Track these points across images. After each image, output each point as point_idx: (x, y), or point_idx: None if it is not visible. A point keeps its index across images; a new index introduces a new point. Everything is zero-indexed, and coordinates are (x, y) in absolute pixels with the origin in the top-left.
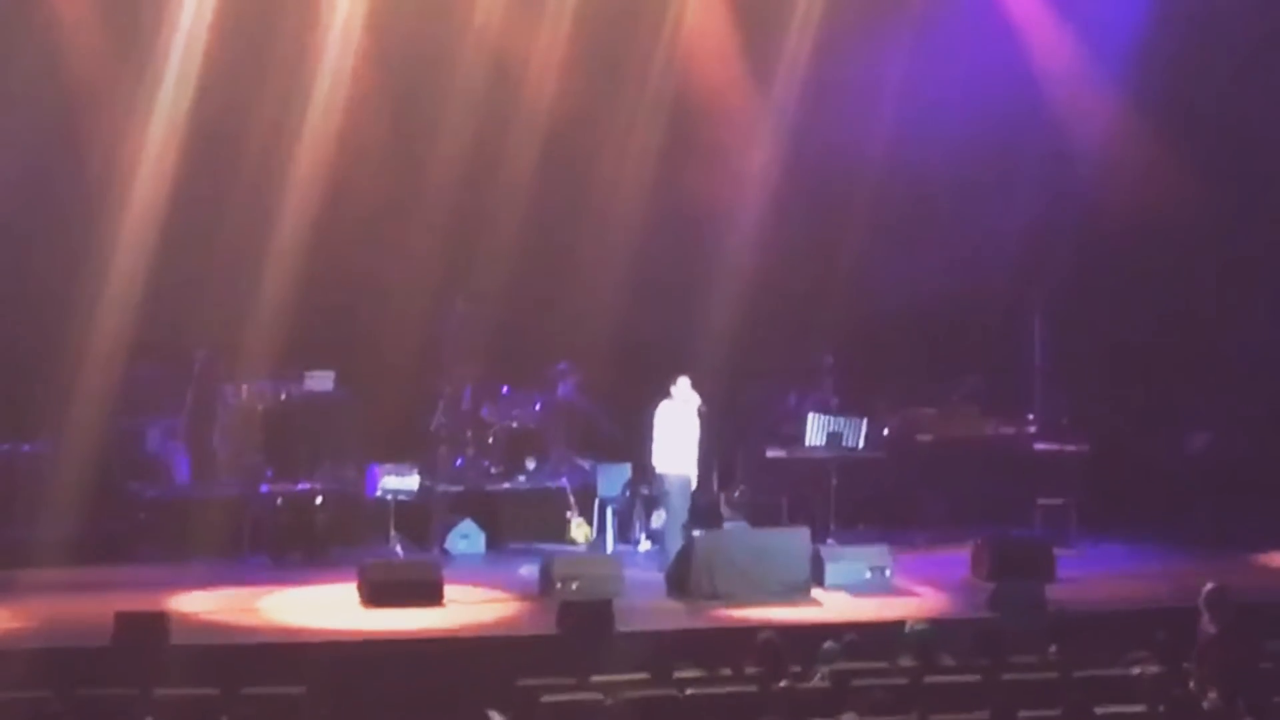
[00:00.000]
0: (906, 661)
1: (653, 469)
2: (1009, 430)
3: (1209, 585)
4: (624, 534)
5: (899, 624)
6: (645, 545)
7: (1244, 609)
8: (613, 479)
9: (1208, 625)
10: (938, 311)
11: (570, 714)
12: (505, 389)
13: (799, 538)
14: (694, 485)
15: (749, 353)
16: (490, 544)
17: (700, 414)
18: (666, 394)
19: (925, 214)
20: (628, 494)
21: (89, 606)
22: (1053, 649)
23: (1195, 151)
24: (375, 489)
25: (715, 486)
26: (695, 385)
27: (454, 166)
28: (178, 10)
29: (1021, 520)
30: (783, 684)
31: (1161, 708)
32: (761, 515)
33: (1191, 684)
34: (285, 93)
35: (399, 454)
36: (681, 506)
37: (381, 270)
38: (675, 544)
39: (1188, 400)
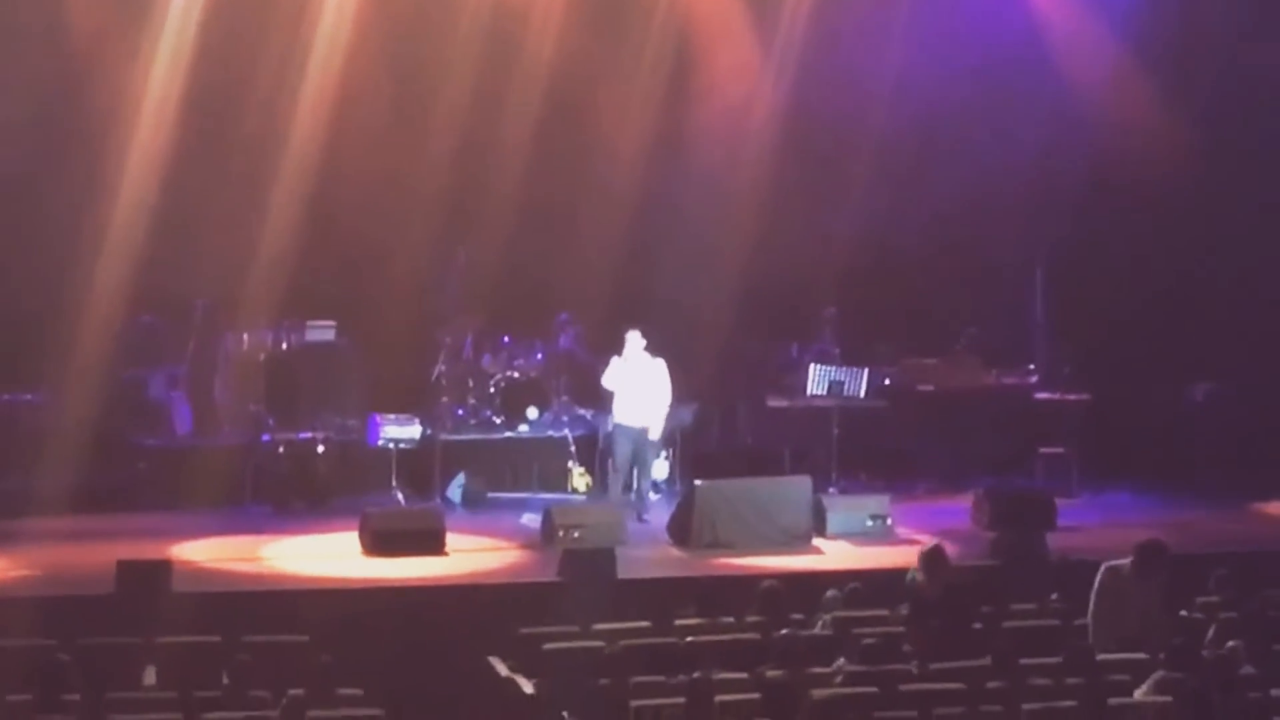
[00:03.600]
0: (908, 609)
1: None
2: (1010, 380)
3: (927, 544)
4: (625, 483)
5: (901, 572)
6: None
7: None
8: None
9: (925, 587)
10: (939, 261)
11: (572, 661)
12: (506, 339)
13: (801, 487)
14: (650, 436)
15: (751, 303)
16: (491, 493)
17: (657, 366)
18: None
19: (927, 164)
20: None
21: (91, 555)
22: (1054, 597)
23: (1198, 102)
24: (377, 438)
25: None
26: (697, 337)
27: (456, 115)
28: None
29: (1022, 469)
30: (784, 632)
31: (1162, 655)
32: (764, 464)
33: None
34: (287, 42)
35: (400, 403)
36: (626, 457)
37: (383, 220)
38: (616, 491)
39: (1190, 350)
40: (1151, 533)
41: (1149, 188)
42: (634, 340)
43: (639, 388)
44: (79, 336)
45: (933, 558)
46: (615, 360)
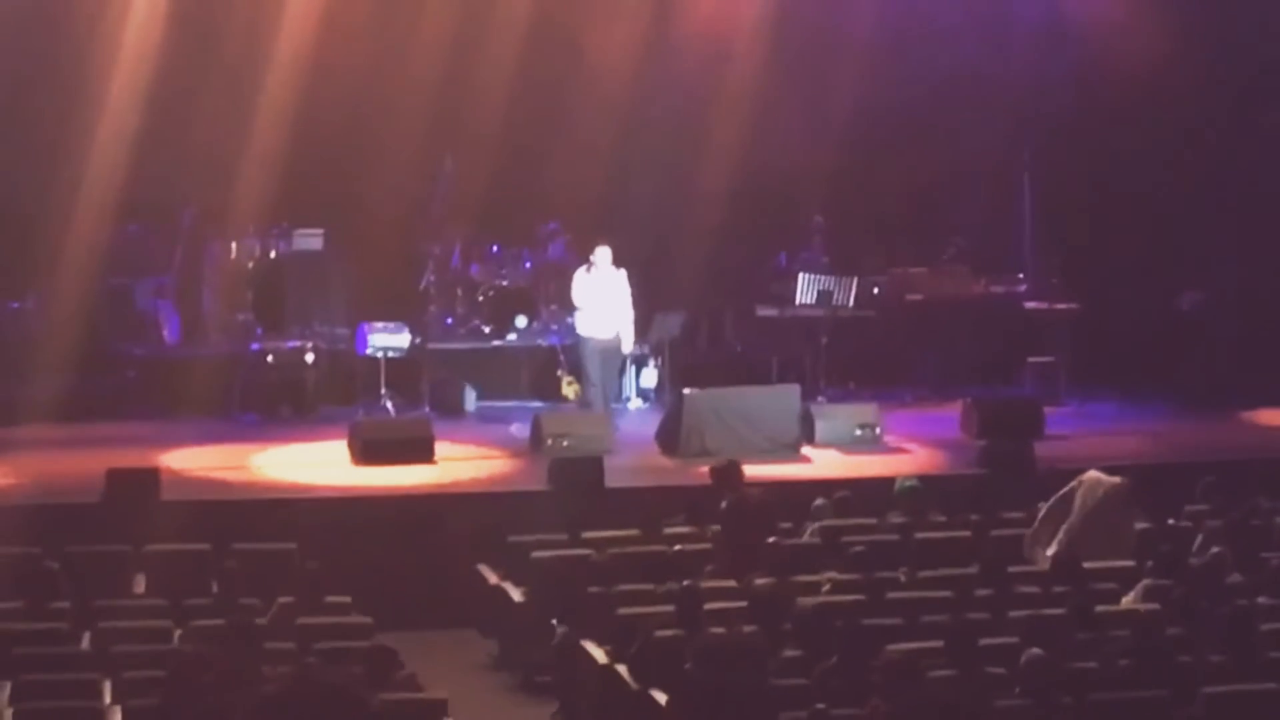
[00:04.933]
0: (896, 518)
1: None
2: (999, 289)
3: (720, 461)
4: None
5: (889, 481)
6: (636, 403)
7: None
8: None
9: (710, 501)
10: (927, 170)
11: (561, 569)
12: (495, 248)
13: (789, 395)
14: (620, 349)
15: (740, 212)
16: (481, 401)
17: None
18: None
19: (913, 71)
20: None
21: (80, 463)
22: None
23: (1187, 6)
24: (365, 347)
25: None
26: (686, 246)
27: (444, 21)
28: None
29: (1011, 378)
30: (772, 540)
31: (1150, 563)
32: (752, 373)
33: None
34: None
35: (389, 312)
36: (597, 371)
37: (371, 128)
38: (599, 406)
39: (1178, 258)
40: (1139, 441)
41: (1137, 94)
42: (603, 254)
43: (605, 301)
44: (66, 244)
45: (722, 473)
46: (580, 274)
